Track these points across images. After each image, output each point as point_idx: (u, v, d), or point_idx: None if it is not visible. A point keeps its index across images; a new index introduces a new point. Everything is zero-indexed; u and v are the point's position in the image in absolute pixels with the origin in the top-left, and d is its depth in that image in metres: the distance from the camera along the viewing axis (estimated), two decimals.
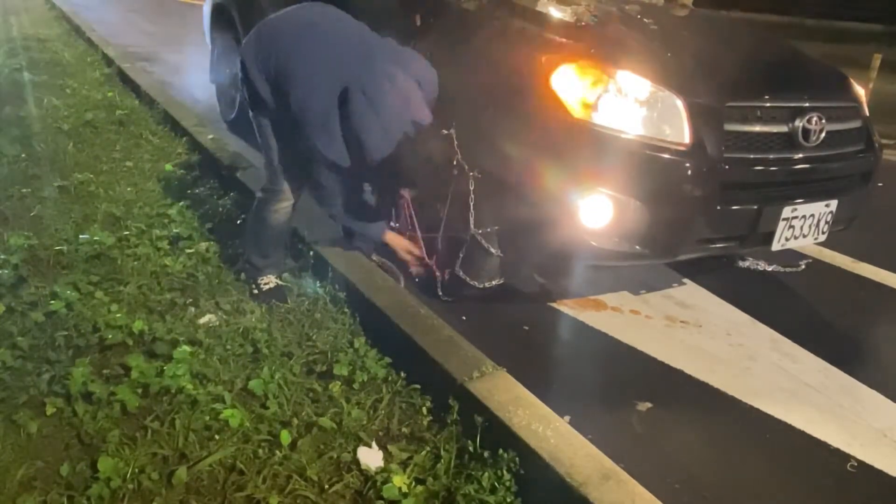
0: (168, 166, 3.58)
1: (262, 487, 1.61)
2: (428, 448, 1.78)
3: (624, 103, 2.27)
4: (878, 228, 3.61)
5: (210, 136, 3.99)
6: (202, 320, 2.26)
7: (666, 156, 2.24)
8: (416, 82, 2.17)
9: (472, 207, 2.45)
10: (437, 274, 2.63)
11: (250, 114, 2.37)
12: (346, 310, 2.35)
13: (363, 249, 2.75)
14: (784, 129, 2.44)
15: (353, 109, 2.09)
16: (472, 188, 2.44)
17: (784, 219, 2.45)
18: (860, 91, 2.88)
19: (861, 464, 1.97)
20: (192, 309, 2.32)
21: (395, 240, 2.64)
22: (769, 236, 2.48)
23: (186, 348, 2.01)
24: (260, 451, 1.72)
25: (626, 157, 2.24)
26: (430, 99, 2.23)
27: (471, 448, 1.74)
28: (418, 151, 2.13)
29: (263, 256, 2.49)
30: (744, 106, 2.39)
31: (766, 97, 2.44)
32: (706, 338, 2.60)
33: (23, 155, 3.58)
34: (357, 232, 2.57)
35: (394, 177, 2.51)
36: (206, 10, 4.76)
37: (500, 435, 1.71)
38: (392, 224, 2.77)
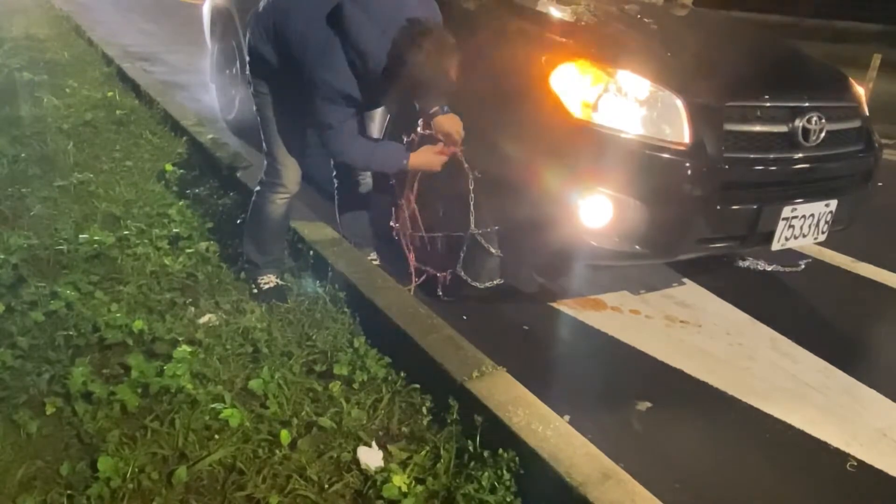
0: (168, 166, 3.58)
1: (262, 487, 1.61)
2: (428, 448, 1.78)
3: (624, 103, 2.27)
4: (878, 228, 3.61)
5: (210, 136, 3.99)
6: (202, 320, 2.26)
7: (666, 155, 2.24)
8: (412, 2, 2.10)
9: (472, 207, 2.45)
10: (438, 274, 2.63)
11: (252, 91, 2.35)
12: (346, 310, 2.35)
13: (362, 245, 2.75)
14: (784, 128, 2.44)
15: (348, 22, 2.02)
16: (472, 188, 2.44)
17: (784, 218, 2.45)
18: (860, 91, 2.88)
19: (861, 464, 1.97)
20: (192, 309, 2.32)
21: (418, 158, 2.37)
22: (769, 236, 2.48)
23: (186, 348, 2.01)
24: (260, 450, 1.72)
25: (626, 157, 2.24)
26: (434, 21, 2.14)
27: (471, 448, 1.74)
28: (423, 57, 1.94)
29: (262, 252, 2.49)
30: (744, 106, 2.39)
31: (766, 97, 2.44)
32: (706, 337, 2.60)
33: (23, 155, 3.57)
34: (376, 166, 2.43)
35: (403, 93, 2.24)
36: (206, 10, 4.76)
37: (499, 434, 1.71)
38: (392, 223, 2.77)
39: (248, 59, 2.33)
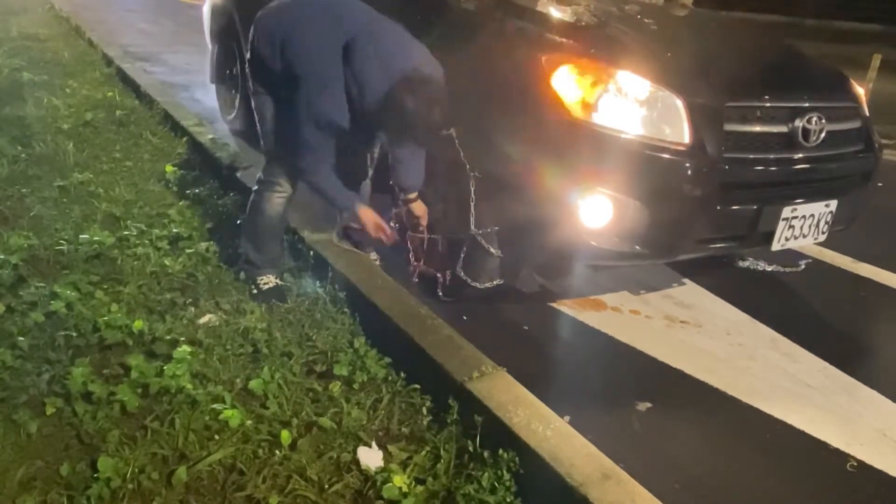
0: (168, 166, 3.58)
1: (262, 487, 1.61)
2: (428, 448, 1.78)
3: (624, 103, 2.26)
4: (878, 228, 3.61)
5: (210, 136, 3.99)
6: (202, 320, 2.26)
7: (666, 156, 2.24)
8: (415, 47, 2.25)
9: (472, 207, 2.45)
10: (438, 274, 2.63)
11: (251, 90, 2.38)
12: (346, 310, 2.35)
13: (362, 245, 2.75)
14: (784, 129, 2.44)
15: (358, 55, 2.13)
16: (472, 188, 2.44)
17: (784, 219, 2.45)
18: (860, 91, 2.88)
19: (861, 464, 1.97)
20: (192, 309, 2.32)
21: (366, 216, 2.46)
22: (769, 236, 2.48)
23: (186, 348, 2.01)
24: (260, 451, 1.72)
25: (626, 157, 2.24)
26: (433, 74, 2.23)
27: (471, 448, 1.74)
28: (415, 103, 2.08)
29: (259, 251, 2.49)
30: (744, 106, 2.39)
31: (766, 97, 2.44)
32: (706, 338, 2.59)
33: (23, 155, 3.57)
34: (330, 199, 2.44)
35: (391, 132, 2.36)
36: (206, 10, 4.76)
37: (499, 435, 1.71)
38: (392, 223, 2.77)
39: (249, 58, 2.34)
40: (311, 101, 2.18)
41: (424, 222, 2.61)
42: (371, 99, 2.14)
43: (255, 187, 2.49)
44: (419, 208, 2.58)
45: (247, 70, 2.39)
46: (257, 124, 2.41)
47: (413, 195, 2.54)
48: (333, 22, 2.22)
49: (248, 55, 2.36)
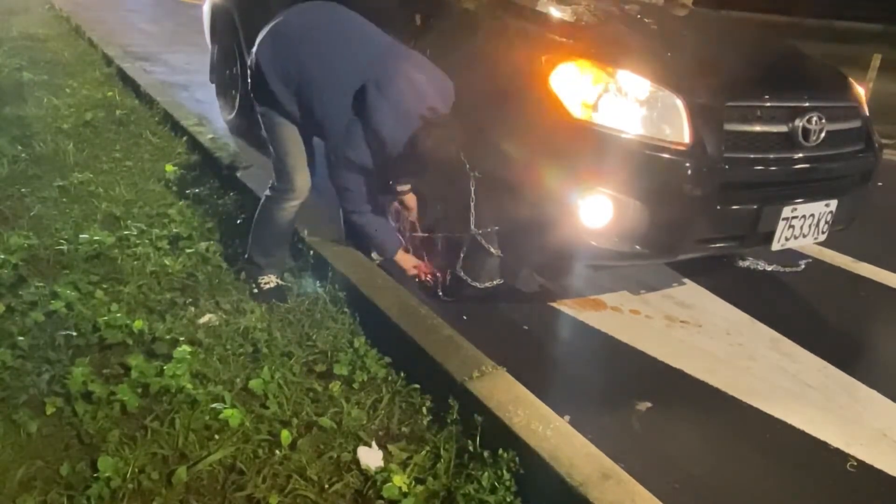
0: (168, 166, 3.59)
1: (262, 487, 1.61)
2: (428, 448, 1.78)
3: (624, 103, 2.27)
4: (878, 228, 3.61)
5: (210, 136, 3.99)
6: (202, 320, 2.26)
7: (666, 155, 2.24)
8: (426, 81, 2.24)
9: (472, 207, 2.45)
10: (438, 274, 2.64)
11: (257, 108, 2.36)
12: (346, 310, 2.35)
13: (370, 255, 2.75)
14: (784, 128, 2.44)
15: (370, 108, 2.14)
16: (472, 188, 2.44)
17: (784, 218, 2.45)
18: (860, 91, 2.88)
19: (861, 464, 1.97)
20: (192, 309, 2.33)
21: (404, 260, 2.61)
22: (769, 236, 2.48)
23: (186, 348, 2.01)
24: (260, 450, 1.72)
25: (626, 157, 2.24)
26: (444, 104, 2.27)
27: (471, 448, 1.74)
28: (431, 144, 2.15)
29: (266, 255, 2.50)
30: (744, 106, 2.39)
31: (766, 97, 2.44)
32: (706, 338, 2.59)
33: (23, 155, 3.58)
34: (373, 240, 2.55)
35: (411, 173, 2.47)
36: (206, 10, 4.76)
37: (499, 434, 1.71)
38: (392, 223, 2.77)
39: (253, 83, 2.31)
40: (339, 152, 2.25)
41: (414, 214, 2.64)
42: (391, 148, 2.18)
43: (268, 193, 2.48)
44: (410, 200, 2.60)
45: (251, 87, 2.36)
46: (267, 139, 2.40)
47: (406, 188, 2.55)
48: (347, 70, 2.20)
49: (250, 78, 2.33)
